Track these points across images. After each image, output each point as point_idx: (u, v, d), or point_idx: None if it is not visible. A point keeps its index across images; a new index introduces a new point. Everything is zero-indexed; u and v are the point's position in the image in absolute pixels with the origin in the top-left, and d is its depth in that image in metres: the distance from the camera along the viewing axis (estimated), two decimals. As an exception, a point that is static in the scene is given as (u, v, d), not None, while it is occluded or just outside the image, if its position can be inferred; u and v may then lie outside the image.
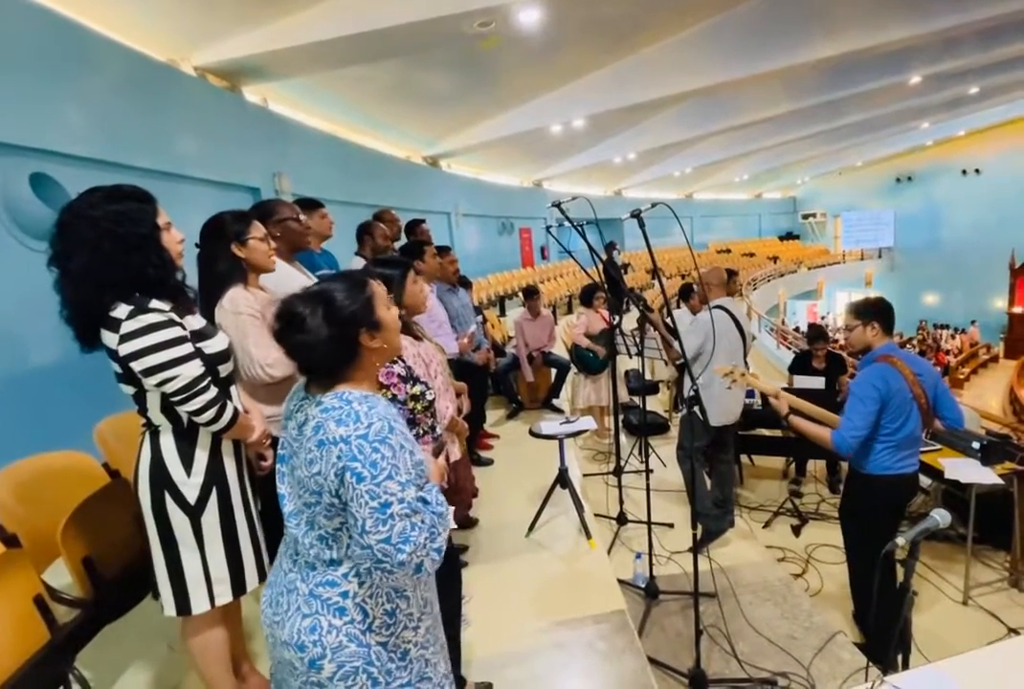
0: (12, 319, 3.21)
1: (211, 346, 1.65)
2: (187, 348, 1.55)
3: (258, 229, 2.02)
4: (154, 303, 1.52)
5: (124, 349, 1.49)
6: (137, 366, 1.50)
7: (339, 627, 1.16)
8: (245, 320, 1.93)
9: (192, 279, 1.79)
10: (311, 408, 1.18)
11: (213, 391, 1.59)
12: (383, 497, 1.07)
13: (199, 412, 1.56)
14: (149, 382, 1.53)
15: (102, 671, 2.02)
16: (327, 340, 1.15)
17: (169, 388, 1.52)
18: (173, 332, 1.53)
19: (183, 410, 1.56)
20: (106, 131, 4.06)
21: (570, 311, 11.39)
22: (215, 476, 1.66)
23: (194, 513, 1.62)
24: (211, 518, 1.64)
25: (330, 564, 1.19)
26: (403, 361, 1.70)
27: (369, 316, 1.20)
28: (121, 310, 1.49)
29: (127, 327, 1.48)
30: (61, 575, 1.85)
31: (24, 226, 3.33)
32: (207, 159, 5.15)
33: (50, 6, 3.76)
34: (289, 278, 2.23)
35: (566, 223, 2.81)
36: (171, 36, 4.88)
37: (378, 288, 1.25)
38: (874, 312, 2.60)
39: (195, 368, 1.56)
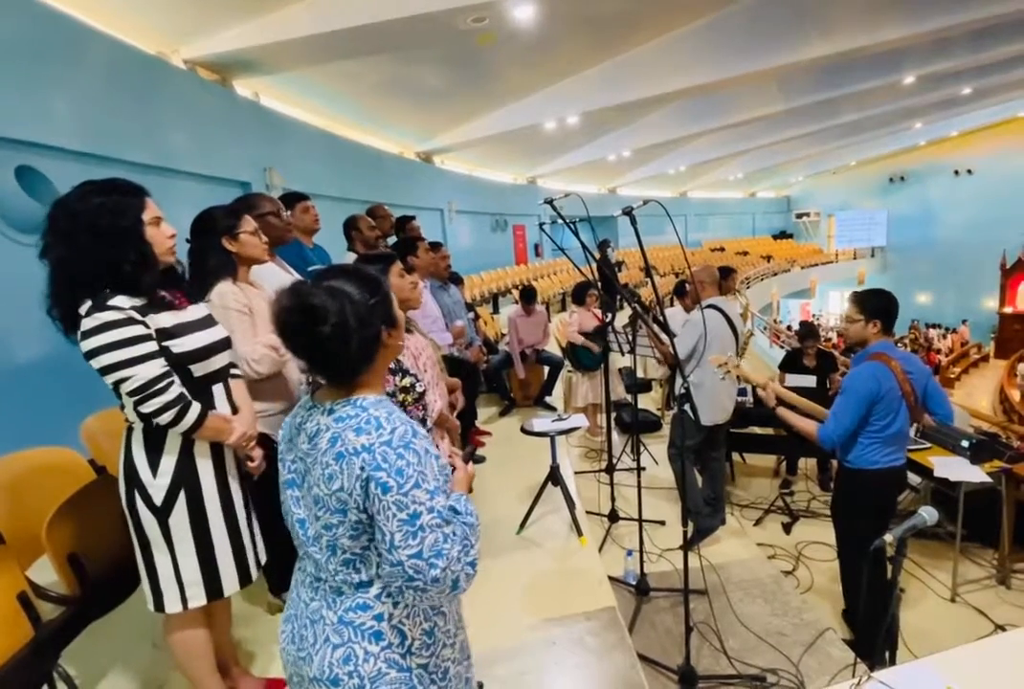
0: (-3, 313, 3.17)
1: (182, 344, 1.59)
2: (146, 348, 1.50)
3: (249, 223, 2.01)
4: (117, 300, 1.48)
5: (83, 346, 1.47)
6: (94, 364, 1.47)
7: (376, 653, 1.08)
8: (232, 315, 1.91)
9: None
10: (322, 417, 1.10)
11: (173, 393, 1.53)
12: (412, 507, 1.00)
13: (156, 414, 1.51)
14: (106, 381, 1.50)
15: (87, 669, 2.01)
16: (357, 338, 1.06)
17: (124, 388, 1.48)
18: (130, 331, 1.48)
19: (140, 411, 1.52)
20: (93, 124, 4.02)
21: (564, 308, 11.38)
22: (184, 478, 1.61)
23: (160, 514, 1.59)
24: (179, 520, 1.61)
25: (359, 587, 1.10)
26: (392, 353, 1.68)
27: (388, 313, 1.13)
28: (85, 306, 1.46)
29: (85, 324, 1.45)
30: (46, 572, 1.83)
31: (9, 219, 3.29)
32: (197, 153, 5.11)
33: (38, -3, 3.71)
34: (269, 274, 2.22)
35: (559, 221, 2.79)
36: (160, 28, 4.83)
37: (388, 286, 1.18)
38: (879, 311, 2.60)
39: (152, 368, 1.50)
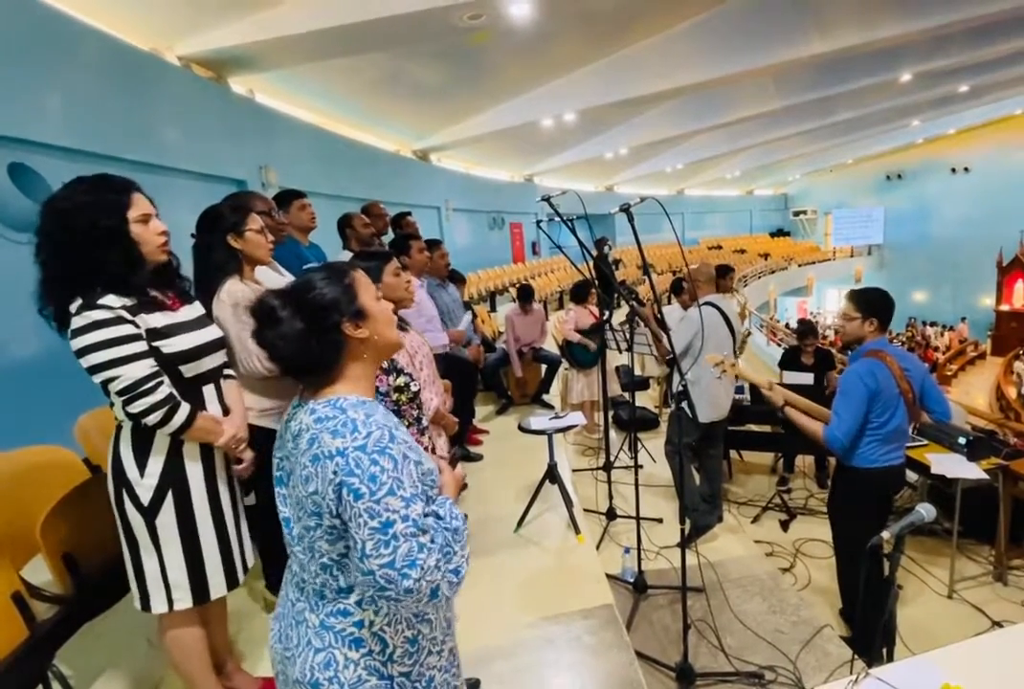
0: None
1: (172, 345, 1.57)
2: (134, 348, 1.48)
3: (256, 222, 2.00)
4: (107, 299, 1.46)
5: (72, 345, 1.46)
6: (83, 363, 1.46)
7: (356, 660, 1.06)
8: (243, 312, 1.89)
9: (186, 269, 1.76)
10: (304, 416, 1.07)
11: (162, 393, 1.51)
12: (384, 515, 0.96)
13: (143, 414, 1.49)
14: (94, 380, 1.49)
15: (82, 668, 1.99)
16: (302, 333, 1.05)
17: (112, 388, 1.47)
18: (119, 330, 1.46)
19: (127, 411, 1.50)
20: (87, 121, 4.00)
21: (561, 307, 11.37)
22: (172, 478, 1.59)
23: (147, 514, 1.57)
24: (167, 521, 1.59)
25: (340, 592, 1.08)
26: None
27: (350, 304, 1.10)
28: (75, 304, 1.45)
29: (74, 323, 1.44)
30: (41, 572, 1.82)
31: (1, 217, 3.27)
32: (191, 151, 5.09)
33: (31, -7, 3.68)
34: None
35: (557, 218, 2.78)
36: (154, 25, 4.79)
37: (362, 277, 1.16)
38: (876, 309, 2.59)
39: (141, 369, 1.49)
